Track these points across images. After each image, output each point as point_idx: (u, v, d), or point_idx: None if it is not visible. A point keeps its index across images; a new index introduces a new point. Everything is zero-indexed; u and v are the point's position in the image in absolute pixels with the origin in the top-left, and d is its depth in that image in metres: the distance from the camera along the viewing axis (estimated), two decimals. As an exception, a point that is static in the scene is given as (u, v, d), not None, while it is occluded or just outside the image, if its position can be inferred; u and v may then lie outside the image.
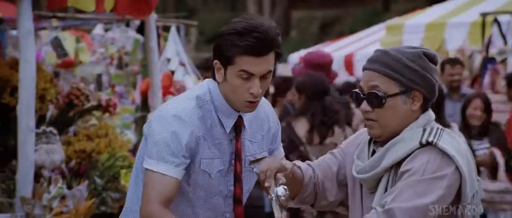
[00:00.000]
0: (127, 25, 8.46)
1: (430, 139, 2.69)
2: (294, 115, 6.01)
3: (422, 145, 2.70)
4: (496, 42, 8.97)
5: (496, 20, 8.85)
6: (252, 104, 2.91)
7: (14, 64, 5.20)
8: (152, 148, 2.88)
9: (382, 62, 2.76)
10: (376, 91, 2.74)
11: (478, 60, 8.99)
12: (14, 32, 7.71)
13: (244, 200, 3.08)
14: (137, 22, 8.28)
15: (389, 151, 2.74)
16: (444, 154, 2.69)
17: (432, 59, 2.80)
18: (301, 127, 5.90)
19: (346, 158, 2.95)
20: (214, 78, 2.96)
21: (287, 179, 2.76)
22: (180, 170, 2.88)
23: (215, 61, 2.91)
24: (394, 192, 2.66)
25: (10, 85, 5.19)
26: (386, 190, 2.73)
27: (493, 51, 8.91)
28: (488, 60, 8.68)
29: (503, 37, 8.80)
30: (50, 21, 8.04)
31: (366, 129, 2.90)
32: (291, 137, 5.83)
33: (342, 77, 12.79)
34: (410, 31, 10.08)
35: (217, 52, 2.88)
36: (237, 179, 3.00)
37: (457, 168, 2.69)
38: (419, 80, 2.75)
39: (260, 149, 3.08)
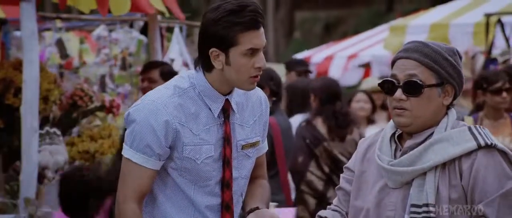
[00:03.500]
0: (131, 26, 8.46)
1: (489, 141, 2.73)
2: (311, 115, 6.22)
3: (480, 147, 2.73)
4: (498, 43, 8.95)
5: (499, 21, 8.83)
6: (256, 79, 2.94)
7: (18, 65, 5.21)
8: (129, 138, 2.92)
9: (422, 52, 2.78)
10: (416, 80, 2.76)
11: (480, 61, 8.97)
12: (18, 33, 7.72)
13: (240, 186, 3.08)
14: (140, 23, 8.29)
15: (433, 147, 2.76)
16: (503, 154, 2.75)
17: (461, 58, 2.86)
18: (321, 126, 6.11)
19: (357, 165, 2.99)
20: (206, 69, 2.95)
21: None
22: (155, 161, 2.92)
23: (212, 49, 2.89)
24: (492, 207, 2.69)
25: (14, 86, 5.20)
26: (434, 187, 2.73)
27: (495, 52, 8.88)
28: (490, 61, 8.65)
29: (506, 38, 8.77)
30: (54, 22, 8.05)
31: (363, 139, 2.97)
32: (314, 134, 6.03)
33: (343, 76, 12.78)
34: (413, 32, 10.05)
35: (213, 39, 2.87)
36: (227, 163, 3.00)
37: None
38: (455, 75, 2.80)
39: (252, 134, 3.09)
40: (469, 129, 2.78)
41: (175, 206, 3.00)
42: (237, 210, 3.10)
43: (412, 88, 2.77)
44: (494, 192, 2.69)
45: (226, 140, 2.99)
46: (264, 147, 3.21)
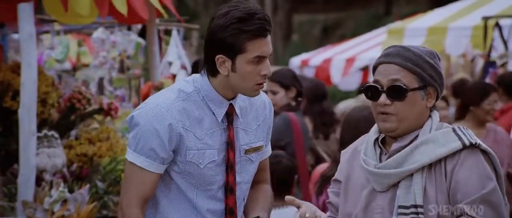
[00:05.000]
0: (129, 28, 8.46)
1: (473, 141, 2.76)
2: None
3: (464, 147, 2.75)
4: (497, 46, 8.96)
5: (497, 24, 8.84)
6: (261, 86, 2.94)
7: (16, 68, 5.21)
8: (133, 141, 2.92)
9: (404, 56, 2.80)
10: (399, 84, 2.78)
11: (480, 64, 8.98)
12: (16, 36, 7.71)
13: (242, 191, 3.08)
14: (139, 26, 8.28)
15: (419, 149, 2.78)
16: (485, 154, 2.78)
17: (440, 60, 2.88)
18: (308, 124, 6.18)
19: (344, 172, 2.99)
20: (211, 74, 2.95)
21: None
22: (159, 165, 2.92)
23: (218, 56, 2.89)
24: (473, 207, 2.71)
25: (12, 89, 5.19)
26: (422, 187, 2.75)
27: (494, 55, 8.90)
28: (489, 64, 8.67)
29: (504, 41, 8.79)
30: (52, 24, 8.04)
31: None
32: None
33: (342, 81, 12.79)
34: (411, 35, 10.08)
35: (220, 45, 2.87)
36: (230, 168, 3.00)
37: (495, 167, 2.80)
38: (437, 77, 2.83)
39: (256, 138, 3.09)
40: (454, 130, 2.81)
41: (177, 210, 3.00)
42: (239, 214, 3.10)
43: (396, 92, 2.79)
44: (476, 193, 2.72)
45: (230, 145, 2.99)
46: (268, 151, 3.21)
